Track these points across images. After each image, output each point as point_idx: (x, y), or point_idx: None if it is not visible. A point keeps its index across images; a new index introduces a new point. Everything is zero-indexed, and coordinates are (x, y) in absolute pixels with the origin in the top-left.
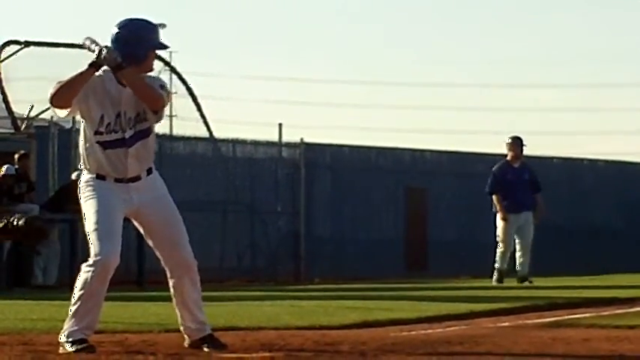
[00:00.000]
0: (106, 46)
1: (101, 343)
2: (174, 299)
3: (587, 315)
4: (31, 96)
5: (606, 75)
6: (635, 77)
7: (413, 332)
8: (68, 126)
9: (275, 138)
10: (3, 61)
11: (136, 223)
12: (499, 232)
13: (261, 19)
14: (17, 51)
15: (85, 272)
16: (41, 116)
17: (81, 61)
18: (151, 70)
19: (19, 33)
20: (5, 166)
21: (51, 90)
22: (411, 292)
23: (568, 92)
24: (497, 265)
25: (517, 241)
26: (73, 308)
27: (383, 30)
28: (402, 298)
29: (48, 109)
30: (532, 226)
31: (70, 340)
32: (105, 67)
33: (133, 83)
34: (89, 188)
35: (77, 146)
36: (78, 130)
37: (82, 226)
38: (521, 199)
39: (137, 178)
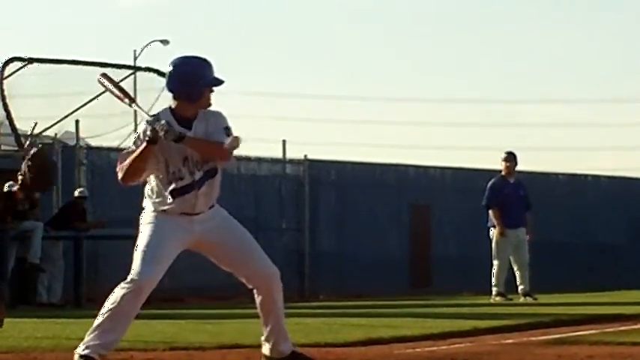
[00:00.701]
0: (163, 124)
1: None
2: (263, 318)
3: (591, 332)
4: (35, 113)
5: (610, 90)
6: (639, 93)
7: (417, 349)
8: (72, 143)
9: (279, 155)
10: (7, 78)
11: (204, 253)
12: (495, 248)
13: (265, 35)
14: (21, 68)
15: (119, 288)
16: (45, 133)
17: (85, 78)
18: (209, 105)
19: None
20: (8, 184)
21: (119, 173)
22: (415, 309)
23: (572, 108)
24: (495, 289)
25: (513, 259)
26: (97, 321)
27: (387, 46)
28: (406, 315)
29: (52, 126)
30: (526, 243)
31: (83, 353)
32: (166, 112)
33: (196, 149)
34: (150, 215)
35: (81, 163)
36: (82, 147)
37: (87, 243)
38: (517, 215)
39: (201, 212)
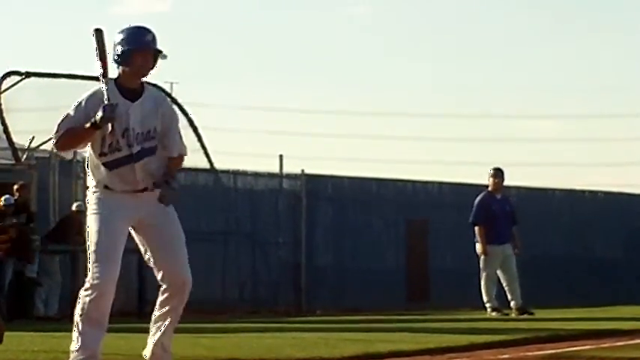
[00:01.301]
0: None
1: None
2: (153, 318)
3: (587, 347)
4: (32, 127)
5: (607, 106)
6: (635, 108)
7: None
8: (69, 157)
9: (276, 169)
10: (4, 92)
11: (136, 237)
12: (483, 264)
13: (262, 49)
14: (18, 82)
15: (82, 297)
16: (42, 147)
17: (82, 92)
18: (145, 72)
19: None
20: (4, 197)
21: (56, 137)
22: (412, 324)
23: (569, 123)
24: (489, 305)
25: (502, 275)
26: (74, 335)
27: (386, 60)
28: (403, 330)
29: (49, 140)
30: (514, 258)
31: None
32: (110, 83)
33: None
34: (94, 201)
35: (79, 177)
36: (79, 162)
37: (84, 255)
38: (504, 231)
39: (145, 190)
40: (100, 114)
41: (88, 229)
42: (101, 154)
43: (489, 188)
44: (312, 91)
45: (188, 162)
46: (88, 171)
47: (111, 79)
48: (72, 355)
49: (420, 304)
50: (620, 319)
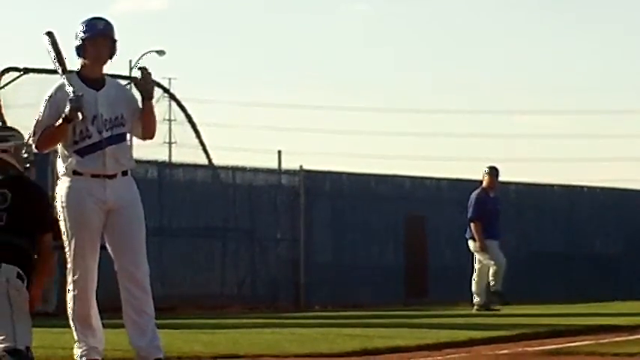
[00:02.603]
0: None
1: None
2: (123, 314)
3: (586, 343)
4: (31, 123)
5: (606, 102)
6: (635, 104)
7: None
8: None
9: (274, 165)
10: (3, 87)
11: (108, 233)
12: (486, 255)
13: (261, 45)
14: (17, 78)
15: (68, 292)
16: None
17: None
18: (102, 60)
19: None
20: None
21: (34, 141)
22: (410, 320)
23: (568, 119)
24: (495, 288)
25: (479, 267)
26: (74, 332)
27: (384, 57)
28: (401, 326)
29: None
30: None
31: None
32: (73, 76)
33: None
34: (64, 192)
35: None
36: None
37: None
38: (496, 228)
39: (114, 176)
40: (67, 107)
41: (61, 223)
42: (74, 143)
43: (484, 185)
44: (311, 87)
45: (187, 158)
46: (58, 159)
47: (72, 71)
48: (77, 350)
49: (419, 300)
50: (619, 314)
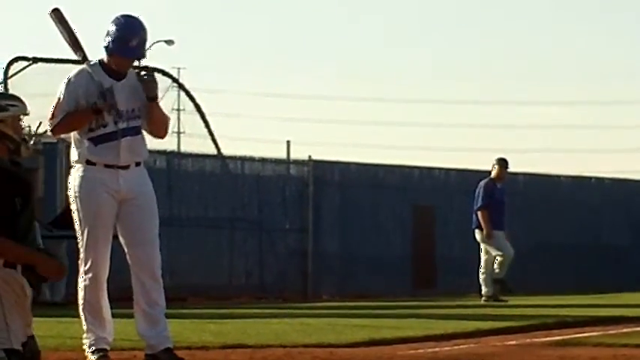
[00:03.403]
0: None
1: None
2: (134, 304)
3: (594, 334)
4: (39, 112)
5: (615, 92)
6: None
7: (421, 350)
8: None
9: (283, 155)
10: (11, 77)
11: (120, 223)
12: (493, 245)
13: (270, 35)
14: (25, 67)
15: (80, 280)
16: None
17: None
18: (129, 67)
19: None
20: None
21: (53, 124)
22: (418, 310)
23: (576, 110)
24: (498, 276)
25: (486, 258)
26: (83, 319)
27: (393, 47)
28: (409, 316)
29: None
30: None
31: (92, 350)
32: (93, 62)
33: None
34: (77, 182)
35: None
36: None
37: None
38: (502, 219)
39: (127, 167)
40: (100, 101)
41: (75, 214)
42: (88, 130)
43: (492, 176)
44: (320, 77)
45: (195, 148)
46: (72, 147)
47: (95, 61)
48: (87, 340)
49: (427, 291)
50: (627, 305)
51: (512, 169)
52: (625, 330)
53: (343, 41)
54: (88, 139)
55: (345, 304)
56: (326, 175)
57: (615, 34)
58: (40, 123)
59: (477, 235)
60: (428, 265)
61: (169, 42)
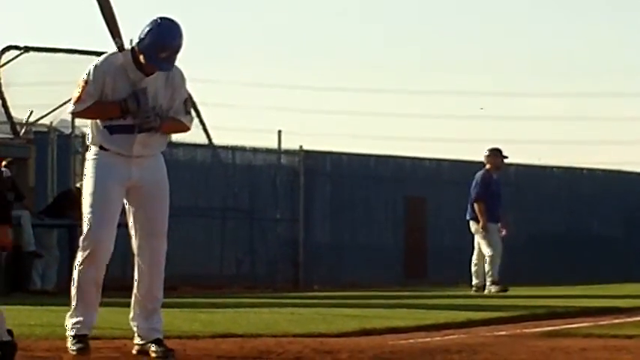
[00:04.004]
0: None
1: (99, 349)
2: (133, 294)
3: (585, 324)
4: (31, 101)
5: (607, 84)
6: (635, 87)
7: (411, 340)
8: (67, 131)
9: (274, 145)
10: (3, 66)
11: (130, 209)
12: (485, 239)
13: (261, 25)
14: (17, 56)
15: (76, 261)
16: (40, 121)
17: (82, 67)
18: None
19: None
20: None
21: (80, 107)
22: (409, 300)
23: (567, 101)
24: (490, 279)
25: (479, 249)
26: (72, 304)
27: (384, 37)
28: (400, 307)
29: (47, 114)
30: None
31: (72, 333)
32: (127, 54)
33: (165, 130)
34: (90, 164)
35: (77, 152)
36: (77, 136)
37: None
38: (495, 211)
39: (139, 156)
40: (132, 101)
41: (83, 192)
42: (109, 118)
43: (487, 167)
44: (312, 67)
45: (186, 137)
46: (89, 127)
47: (127, 50)
48: (70, 321)
49: (418, 281)
50: (618, 296)
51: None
52: (615, 321)
53: (335, 32)
54: (105, 127)
55: (336, 294)
56: (317, 165)
57: (608, 26)
58: (31, 112)
59: (472, 226)
60: (419, 256)
61: None
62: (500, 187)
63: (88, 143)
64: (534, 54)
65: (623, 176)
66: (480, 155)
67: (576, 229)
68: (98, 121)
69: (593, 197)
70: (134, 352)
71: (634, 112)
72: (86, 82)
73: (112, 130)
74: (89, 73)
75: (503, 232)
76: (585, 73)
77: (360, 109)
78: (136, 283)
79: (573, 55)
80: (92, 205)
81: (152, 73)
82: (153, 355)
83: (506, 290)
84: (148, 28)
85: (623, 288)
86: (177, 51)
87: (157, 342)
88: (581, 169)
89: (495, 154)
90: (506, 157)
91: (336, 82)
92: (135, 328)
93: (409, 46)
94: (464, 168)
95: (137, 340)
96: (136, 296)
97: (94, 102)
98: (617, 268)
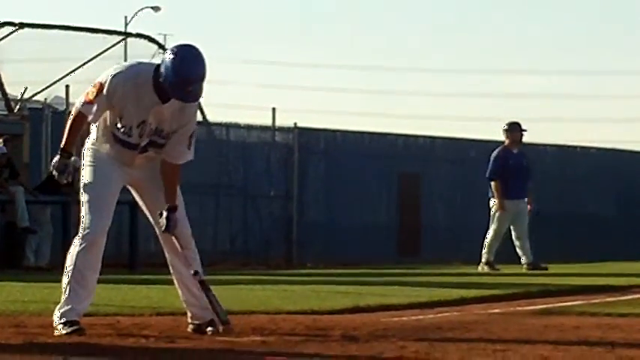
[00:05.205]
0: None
1: (92, 326)
2: (174, 279)
3: (578, 302)
4: (25, 78)
5: (600, 62)
6: (629, 65)
7: (404, 318)
8: (62, 108)
9: (269, 122)
10: None
11: (137, 196)
12: (496, 220)
13: (256, 2)
14: (11, 33)
15: (74, 246)
16: (35, 98)
17: (76, 43)
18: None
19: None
20: None
21: (87, 108)
22: (402, 278)
23: (562, 79)
24: (485, 256)
25: (513, 228)
26: (64, 285)
27: (378, 14)
28: (393, 284)
29: (42, 91)
30: (527, 215)
31: (63, 321)
32: (149, 73)
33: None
34: (90, 153)
35: None
36: (71, 113)
37: (76, 207)
38: (520, 186)
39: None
40: (62, 173)
41: (82, 180)
42: (115, 127)
43: (506, 143)
44: (306, 45)
45: None
46: (94, 126)
47: (152, 69)
48: (60, 304)
49: (411, 258)
50: (611, 275)
51: (495, 138)
52: (609, 299)
53: (329, 8)
54: (112, 133)
55: (329, 272)
56: (311, 143)
57: (601, 4)
58: (26, 88)
59: (492, 204)
60: (413, 233)
61: (156, 8)
62: (523, 160)
63: (91, 134)
64: (529, 32)
65: (617, 154)
66: (472, 132)
67: (569, 208)
68: (106, 123)
69: (587, 176)
70: (189, 329)
71: (628, 90)
72: (102, 86)
73: (116, 139)
74: (107, 79)
75: (529, 207)
76: (579, 50)
77: (354, 86)
78: (172, 272)
79: (569, 32)
80: (91, 196)
81: (169, 100)
82: (209, 333)
83: (545, 269)
84: (170, 65)
85: (616, 266)
86: (202, 79)
87: (211, 323)
88: (575, 147)
89: (514, 127)
90: (524, 131)
91: (330, 59)
92: (187, 312)
93: (405, 24)
94: (458, 145)
95: (190, 325)
96: (180, 283)
97: (99, 112)
98: (610, 246)
